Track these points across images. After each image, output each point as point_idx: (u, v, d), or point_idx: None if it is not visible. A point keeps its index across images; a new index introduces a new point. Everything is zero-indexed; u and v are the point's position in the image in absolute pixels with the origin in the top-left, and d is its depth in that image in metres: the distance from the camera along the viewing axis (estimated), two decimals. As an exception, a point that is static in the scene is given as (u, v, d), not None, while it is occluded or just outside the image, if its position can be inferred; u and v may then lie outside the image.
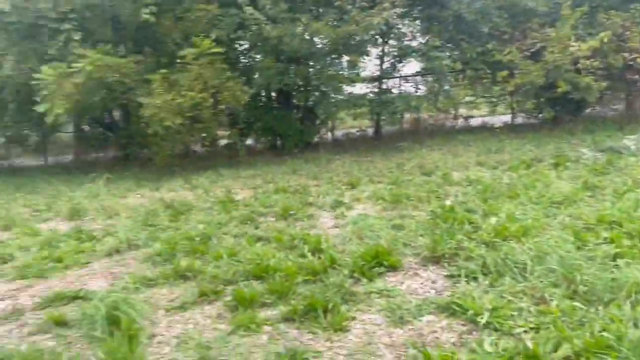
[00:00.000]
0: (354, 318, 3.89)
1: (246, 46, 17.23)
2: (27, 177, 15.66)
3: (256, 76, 16.03)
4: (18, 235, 7.61)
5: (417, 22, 17.64)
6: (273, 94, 18.06)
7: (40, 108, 12.68)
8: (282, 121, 16.86)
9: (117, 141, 18.50)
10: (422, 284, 4.50)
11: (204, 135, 16.22)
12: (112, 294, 4.39)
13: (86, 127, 20.67)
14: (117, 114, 18.95)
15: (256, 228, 6.91)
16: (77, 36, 12.89)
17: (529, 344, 3.09)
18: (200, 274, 5.04)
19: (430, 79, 18.86)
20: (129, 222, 7.75)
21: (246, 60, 17.78)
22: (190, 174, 13.20)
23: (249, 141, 18.28)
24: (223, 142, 17.78)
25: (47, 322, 4.23)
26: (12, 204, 10.51)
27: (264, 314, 4.08)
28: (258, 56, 16.99)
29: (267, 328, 3.85)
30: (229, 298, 4.42)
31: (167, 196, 10.07)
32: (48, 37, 13.36)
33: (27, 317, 4.46)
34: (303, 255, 5.30)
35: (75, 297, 4.74)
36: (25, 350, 3.61)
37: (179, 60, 14.03)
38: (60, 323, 4.19)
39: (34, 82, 12.62)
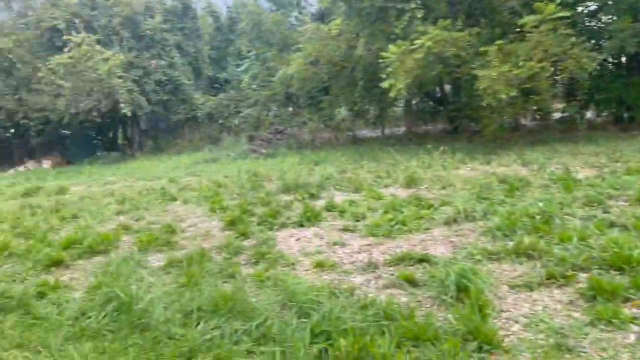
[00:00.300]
0: None
1: (593, 7, 15.32)
2: (367, 147, 17.69)
3: (605, 40, 14.11)
4: (366, 197, 8.61)
5: None
6: (623, 59, 15.68)
7: (385, 84, 14.04)
8: (634, 90, 14.49)
9: (446, 114, 19.09)
10: None
11: (535, 107, 15.29)
12: (457, 263, 4.52)
13: (416, 102, 21.98)
14: (447, 87, 19.51)
15: (606, 212, 6.13)
16: (419, 14, 13.69)
17: None
18: (545, 255, 4.74)
19: None
20: (464, 194, 7.88)
21: (593, 23, 15.84)
22: (522, 149, 12.66)
23: (588, 114, 16.43)
24: (556, 115, 16.43)
25: (399, 278, 4.62)
26: (359, 170, 11.99)
27: (629, 310, 3.56)
28: (608, 17, 14.90)
29: (635, 327, 3.34)
30: (582, 285, 4.02)
31: (499, 170, 9.88)
32: (394, 18, 14.57)
33: (380, 271, 4.98)
34: (679, 250, 4.43)
35: (421, 260, 5.06)
36: (383, 301, 4.02)
37: (516, 30, 13.43)
38: (410, 281, 4.53)
39: (380, 61, 14.01)
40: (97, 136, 23.68)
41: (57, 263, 5.95)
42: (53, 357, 3.61)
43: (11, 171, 20.37)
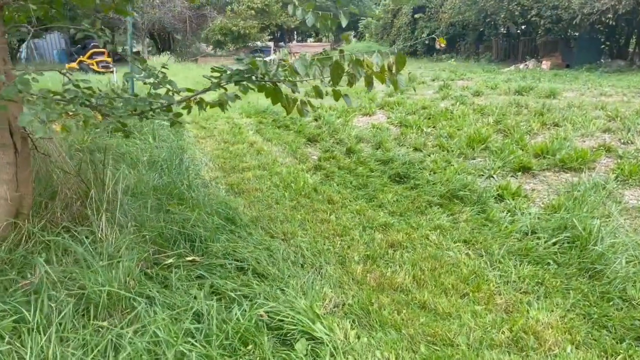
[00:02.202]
0: None
1: None
2: None
3: None
4: None
5: None
6: None
7: None
8: None
9: None
10: None
11: None
12: None
13: None
14: None
15: None
16: None
17: None
18: None
19: None
20: None
21: None
22: None
23: None
24: None
25: None
26: None
27: None
28: None
29: None
30: None
31: None
32: None
33: None
34: None
35: None
36: None
37: None
38: None
39: None
40: (605, 41, 21.53)
41: (525, 169, 5.77)
42: (492, 266, 3.50)
43: (511, 67, 21.22)
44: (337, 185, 5.38)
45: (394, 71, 2.67)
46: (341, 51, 2.85)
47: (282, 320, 2.61)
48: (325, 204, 4.75)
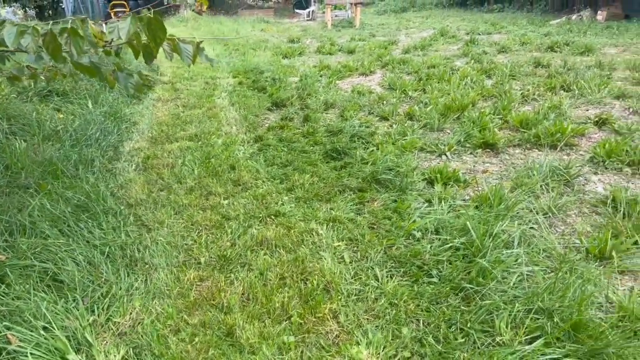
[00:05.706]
0: None
1: None
2: None
3: None
4: None
5: None
6: None
7: None
8: None
9: None
10: None
11: None
12: None
13: None
14: None
15: None
16: None
17: None
18: None
19: None
20: None
21: None
22: None
23: None
24: None
25: None
26: None
27: None
28: None
29: None
30: None
31: None
32: None
33: None
34: None
35: None
36: None
37: None
38: None
39: None
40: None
41: (488, 145, 4.94)
42: (355, 277, 2.88)
43: (562, 18, 19.19)
44: (264, 161, 4.79)
45: (150, 41, 2.04)
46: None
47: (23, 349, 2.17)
48: (228, 186, 4.21)
